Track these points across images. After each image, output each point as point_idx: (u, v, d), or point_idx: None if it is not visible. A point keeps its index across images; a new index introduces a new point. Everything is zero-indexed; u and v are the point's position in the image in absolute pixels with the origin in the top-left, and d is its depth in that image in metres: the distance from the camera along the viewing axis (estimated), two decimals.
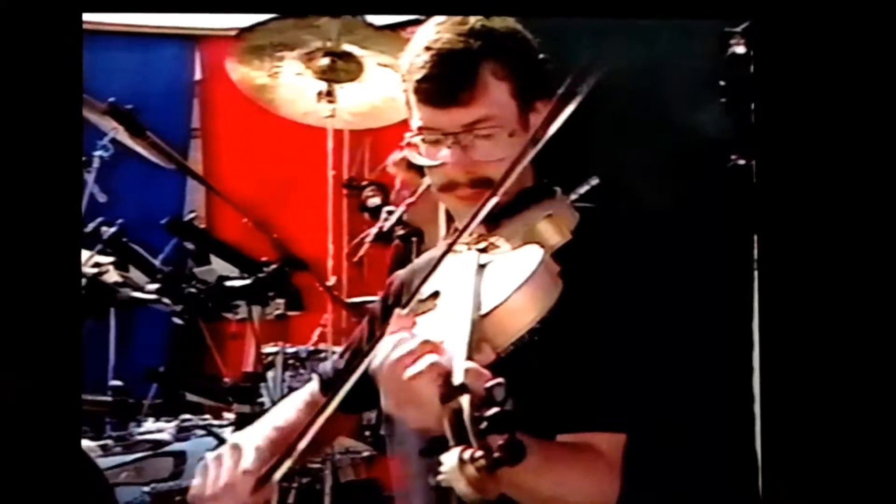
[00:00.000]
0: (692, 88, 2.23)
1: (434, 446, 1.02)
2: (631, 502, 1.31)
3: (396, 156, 3.07)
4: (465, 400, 0.99)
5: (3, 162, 1.40)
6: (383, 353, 1.15)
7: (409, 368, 1.10)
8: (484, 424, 0.95)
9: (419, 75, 1.39)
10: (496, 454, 0.94)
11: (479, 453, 0.94)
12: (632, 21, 2.08)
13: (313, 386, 1.71)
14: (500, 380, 0.99)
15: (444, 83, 1.38)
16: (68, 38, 1.41)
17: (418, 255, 2.89)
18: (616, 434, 1.32)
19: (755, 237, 1.69)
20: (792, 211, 1.44)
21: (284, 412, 1.64)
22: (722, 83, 2.16)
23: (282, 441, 1.50)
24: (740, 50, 2.11)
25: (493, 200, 1.30)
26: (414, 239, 3.17)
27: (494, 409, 0.95)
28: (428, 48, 1.39)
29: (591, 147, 2.26)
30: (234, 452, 1.43)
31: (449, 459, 0.96)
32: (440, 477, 0.96)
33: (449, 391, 1.02)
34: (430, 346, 1.12)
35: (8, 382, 1.37)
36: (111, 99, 2.45)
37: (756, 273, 1.58)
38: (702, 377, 1.91)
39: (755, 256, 1.66)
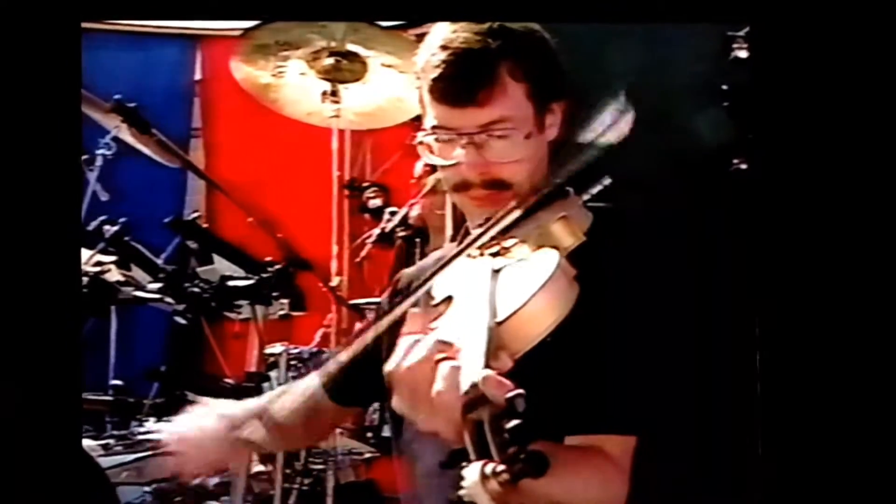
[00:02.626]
0: (694, 92, 2.24)
1: (454, 458, 1.00)
2: None
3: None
4: (484, 412, 0.97)
5: (4, 162, 1.40)
6: (398, 355, 1.13)
7: (433, 380, 1.08)
8: (505, 437, 0.93)
9: (435, 74, 1.37)
10: (518, 467, 0.92)
11: (501, 467, 0.92)
12: (633, 25, 2.09)
13: (314, 383, 1.70)
14: (520, 391, 0.97)
15: (461, 82, 1.36)
16: (67, 44, 1.40)
17: (422, 256, 2.89)
18: (626, 437, 1.31)
19: (757, 242, 1.70)
20: (794, 215, 1.44)
21: (282, 399, 1.66)
22: (724, 87, 2.16)
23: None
24: (742, 54, 2.12)
25: (513, 216, 1.29)
26: (417, 240, 3.17)
27: (516, 422, 0.93)
28: (444, 47, 1.37)
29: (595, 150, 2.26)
30: (205, 407, 1.48)
31: (471, 474, 0.94)
32: (462, 492, 0.95)
33: (470, 402, 0.99)
34: (443, 347, 1.10)
35: (8, 382, 1.37)
36: (117, 97, 2.45)
37: (758, 277, 1.58)
38: (712, 380, 1.92)
39: (758, 260, 1.66)
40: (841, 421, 1.37)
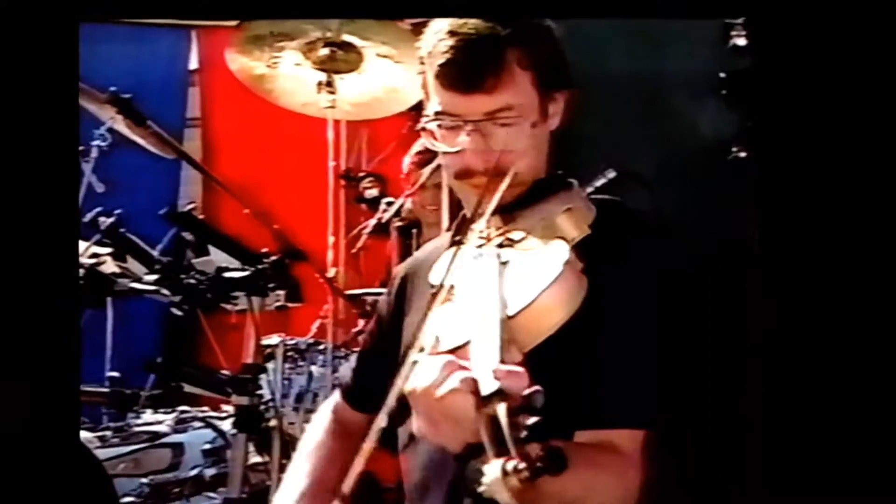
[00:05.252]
0: (692, 80, 2.23)
1: (470, 452, 0.99)
2: (650, 498, 1.28)
3: None
4: (501, 407, 0.95)
5: (2, 155, 1.39)
6: (418, 379, 1.09)
7: (440, 387, 1.04)
8: (524, 434, 0.92)
9: (443, 59, 1.35)
10: (538, 464, 0.91)
11: (522, 464, 0.91)
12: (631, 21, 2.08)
13: (336, 398, 1.68)
14: (538, 387, 0.95)
15: (469, 68, 1.34)
16: (66, 42, 1.41)
17: (418, 247, 2.89)
18: (636, 430, 1.29)
19: (756, 230, 1.69)
20: (795, 202, 1.43)
21: (308, 460, 1.61)
22: (722, 75, 2.15)
23: (321, 487, 1.52)
24: (741, 41, 2.11)
25: (501, 189, 1.27)
26: (413, 231, 3.17)
27: (535, 419, 0.92)
28: (453, 33, 1.35)
29: (593, 140, 2.25)
30: None
31: (491, 471, 0.92)
32: (482, 488, 0.93)
33: (483, 396, 0.97)
34: (455, 365, 1.06)
35: (5, 374, 1.36)
36: (112, 88, 2.44)
37: (758, 268, 1.57)
38: (719, 373, 1.91)
39: (757, 250, 1.65)
40: (846, 416, 1.36)
